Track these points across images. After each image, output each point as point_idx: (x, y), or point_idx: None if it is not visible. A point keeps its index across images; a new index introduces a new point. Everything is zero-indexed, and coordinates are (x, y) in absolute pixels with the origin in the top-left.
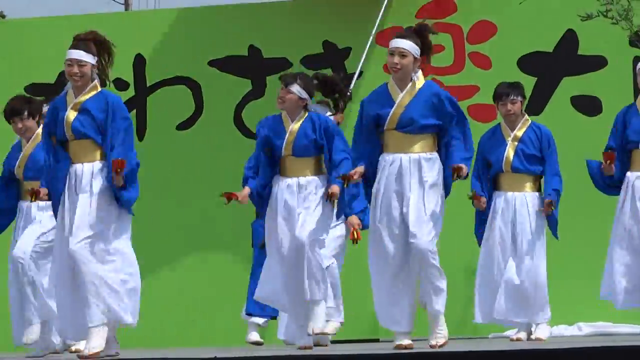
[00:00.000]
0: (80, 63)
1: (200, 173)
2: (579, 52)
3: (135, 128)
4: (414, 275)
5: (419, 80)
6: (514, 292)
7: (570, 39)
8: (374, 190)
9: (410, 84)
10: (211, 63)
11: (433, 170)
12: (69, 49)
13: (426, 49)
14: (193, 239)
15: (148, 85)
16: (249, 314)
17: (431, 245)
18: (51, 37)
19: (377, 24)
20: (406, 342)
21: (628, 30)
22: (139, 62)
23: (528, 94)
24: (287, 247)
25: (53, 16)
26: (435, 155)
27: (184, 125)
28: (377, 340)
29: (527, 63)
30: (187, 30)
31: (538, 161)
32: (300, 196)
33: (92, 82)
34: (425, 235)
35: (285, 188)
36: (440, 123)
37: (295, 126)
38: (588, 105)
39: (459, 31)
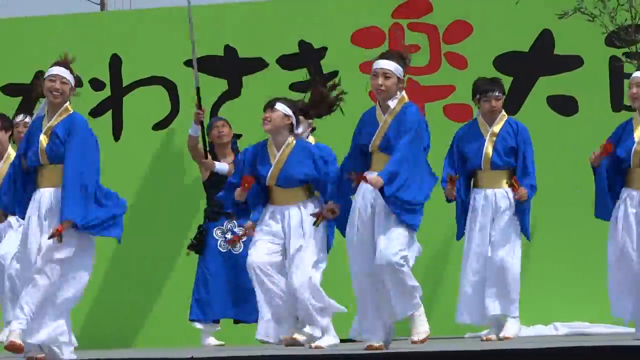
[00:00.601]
0: (63, 80)
1: (176, 173)
2: (555, 52)
3: (112, 128)
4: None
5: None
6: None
7: (546, 38)
8: (353, 204)
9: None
10: (187, 63)
11: None
12: (52, 66)
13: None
14: (169, 239)
15: (124, 85)
16: (192, 321)
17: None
18: (26, 37)
19: None
20: (377, 344)
21: (603, 28)
22: (115, 62)
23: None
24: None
25: (28, 16)
26: None
27: (160, 125)
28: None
29: (503, 63)
30: (162, 30)
31: (514, 154)
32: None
33: (65, 103)
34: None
35: None
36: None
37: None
38: (564, 105)
39: (435, 31)
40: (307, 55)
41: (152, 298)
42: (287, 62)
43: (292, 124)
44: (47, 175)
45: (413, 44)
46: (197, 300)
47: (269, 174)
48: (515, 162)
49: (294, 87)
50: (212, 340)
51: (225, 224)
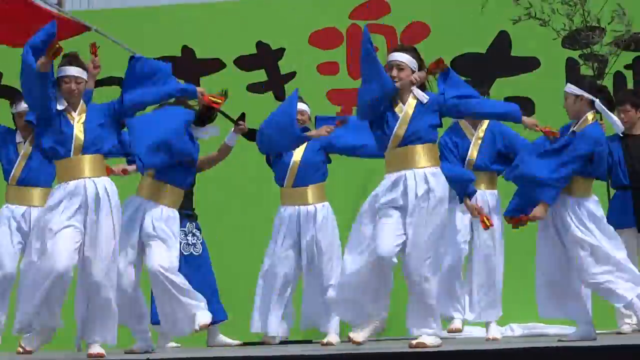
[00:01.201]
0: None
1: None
2: (512, 53)
3: None
4: None
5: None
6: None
7: (503, 40)
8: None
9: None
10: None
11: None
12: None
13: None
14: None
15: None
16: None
17: None
18: None
19: None
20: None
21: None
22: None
23: None
24: None
25: None
26: None
27: None
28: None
29: (460, 64)
30: (120, 30)
31: (499, 159)
32: None
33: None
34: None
35: None
36: None
37: None
38: (521, 106)
39: (393, 32)
40: (264, 56)
41: None
42: (244, 63)
43: None
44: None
45: None
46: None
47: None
48: (499, 167)
49: (251, 88)
50: (172, 344)
51: (187, 225)
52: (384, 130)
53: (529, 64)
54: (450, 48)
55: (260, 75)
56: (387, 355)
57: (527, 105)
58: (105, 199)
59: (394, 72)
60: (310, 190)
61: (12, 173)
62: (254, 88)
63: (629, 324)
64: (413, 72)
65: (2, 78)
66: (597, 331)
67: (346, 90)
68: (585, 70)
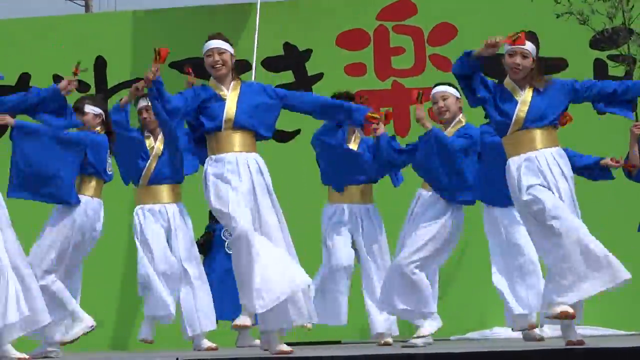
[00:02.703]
0: (220, 51)
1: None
2: (540, 54)
3: None
4: None
5: None
6: None
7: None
8: None
9: None
10: (172, 65)
11: None
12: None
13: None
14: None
15: (109, 87)
16: None
17: None
18: (12, 38)
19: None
20: None
21: (591, 31)
22: (100, 64)
23: None
24: None
25: (13, 18)
26: None
27: None
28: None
29: (487, 65)
30: (147, 31)
31: None
32: None
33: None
34: None
35: None
36: None
37: None
38: None
39: (420, 33)
40: (291, 58)
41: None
42: (272, 64)
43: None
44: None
45: (398, 46)
46: None
47: None
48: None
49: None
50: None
51: None
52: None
53: (557, 65)
54: (476, 49)
55: (287, 77)
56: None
57: None
58: None
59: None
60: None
61: (142, 174)
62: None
63: None
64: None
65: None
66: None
67: (373, 91)
68: (614, 71)
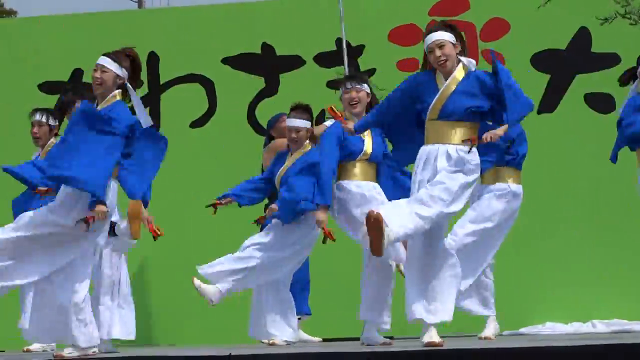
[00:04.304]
0: (103, 69)
1: (213, 171)
2: (592, 50)
3: None
4: None
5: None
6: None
7: (583, 36)
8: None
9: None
10: (224, 61)
11: None
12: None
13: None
14: (205, 237)
15: (161, 83)
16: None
17: None
18: (65, 35)
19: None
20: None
21: None
22: (153, 60)
23: (541, 91)
24: None
25: (67, 14)
26: None
27: (198, 123)
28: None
29: (540, 60)
30: (200, 27)
31: None
32: None
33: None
34: None
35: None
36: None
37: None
38: (601, 102)
39: (472, 28)
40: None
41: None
42: (324, 59)
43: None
44: None
45: None
46: None
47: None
48: None
49: (331, 84)
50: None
51: None
52: None
53: (609, 60)
54: (529, 44)
55: (340, 72)
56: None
57: (608, 101)
58: None
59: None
60: None
61: None
62: (333, 85)
63: None
64: (455, 45)
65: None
66: None
67: None
68: None
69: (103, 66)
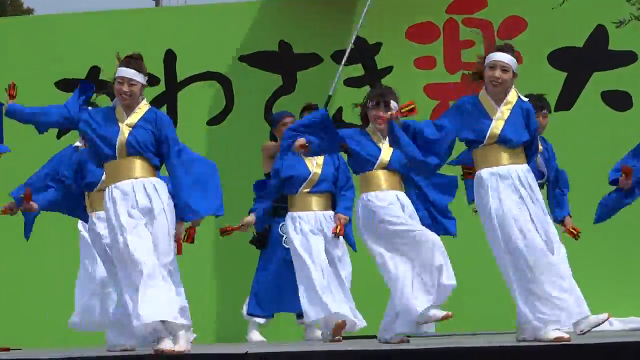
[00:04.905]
0: (131, 82)
1: (230, 168)
2: (610, 47)
3: None
4: None
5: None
6: None
7: (600, 34)
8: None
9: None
10: (241, 58)
11: None
12: (120, 67)
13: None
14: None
15: (179, 80)
16: (251, 315)
17: None
18: (82, 32)
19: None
20: None
21: None
22: (170, 58)
23: (558, 89)
24: None
25: (84, 12)
26: None
27: (215, 121)
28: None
29: (557, 58)
30: (217, 25)
31: None
32: None
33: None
34: None
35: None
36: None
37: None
38: (619, 100)
39: (490, 26)
40: (361, 51)
41: (211, 293)
42: (341, 57)
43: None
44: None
45: (468, 39)
46: (256, 295)
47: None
48: None
49: (348, 82)
50: (255, 335)
51: None
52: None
53: (627, 57)
54: (546, 42)
55: (357, 70)
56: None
57: (625, 99)
58: None
59: (497, 73)
60: None
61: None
62: (351, 82)
63: None
64: (515, 74)
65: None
66: None
67: (443, 84)
68: None
69: (131, 79)
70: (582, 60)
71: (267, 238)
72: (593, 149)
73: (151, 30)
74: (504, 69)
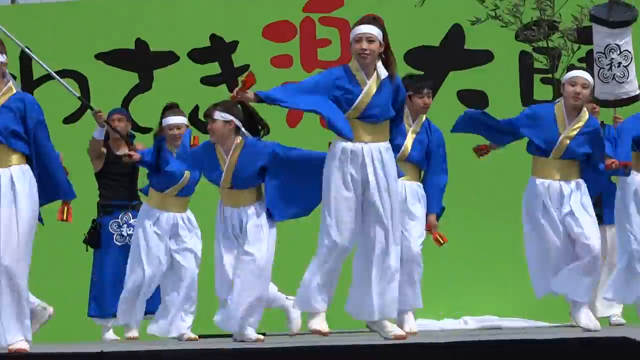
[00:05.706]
0: None
1: (87, 167)
2: (466, 47)
3: None
4: None
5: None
6: None
7: (456, 33)
8: None
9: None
10: (98, 56)
11: None
12: None
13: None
14: (66, 234)
15: (35, 78)
16: (92, 317)
17: None
18: None
19: None
20: None
21: (514, 26)
22: (26, 55)
23: None
24: None
25: None
26: None
27: (71, 119)
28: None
29: (413, 57)
30: (73, 23)
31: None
32: None
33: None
34: None
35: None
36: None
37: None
38: (474, 99)
39: (346, 25)
40: (218, 49)
41: (50, 294)
42: (198, 55)
43: (236, 126)
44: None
45: (324, 38)
46: (95, 297)
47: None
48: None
49: (204, 80)
50: (110, 335)
51: (120, 216)
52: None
53: (482, 57)
54: (403, 41)
55: (213, 68)
56: None
57: (481, 98)
58: None
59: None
60: None
61: None
62: (207, 81)
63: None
64: (381, 44)
65: None
66: None
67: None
68: (539, 64)
69: None
70: (439, 59)
71: (99, 237)
72: (449, 147)
73: (7, 27)
74: (370, 39)
